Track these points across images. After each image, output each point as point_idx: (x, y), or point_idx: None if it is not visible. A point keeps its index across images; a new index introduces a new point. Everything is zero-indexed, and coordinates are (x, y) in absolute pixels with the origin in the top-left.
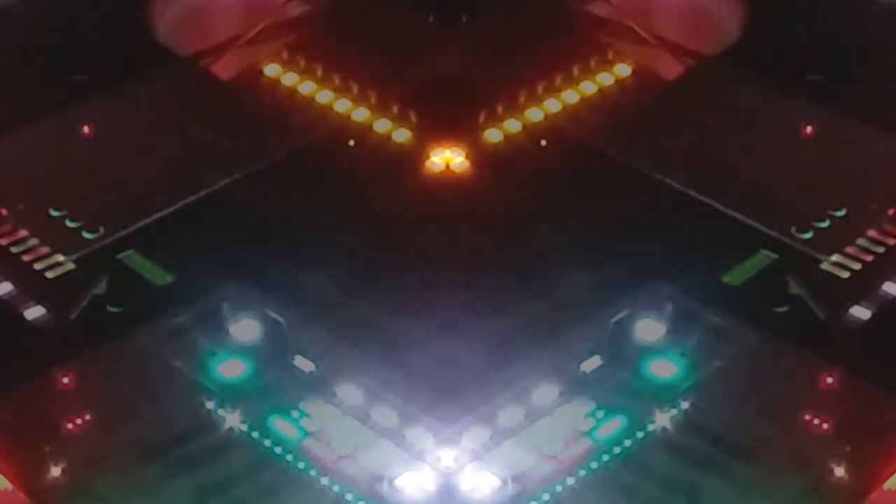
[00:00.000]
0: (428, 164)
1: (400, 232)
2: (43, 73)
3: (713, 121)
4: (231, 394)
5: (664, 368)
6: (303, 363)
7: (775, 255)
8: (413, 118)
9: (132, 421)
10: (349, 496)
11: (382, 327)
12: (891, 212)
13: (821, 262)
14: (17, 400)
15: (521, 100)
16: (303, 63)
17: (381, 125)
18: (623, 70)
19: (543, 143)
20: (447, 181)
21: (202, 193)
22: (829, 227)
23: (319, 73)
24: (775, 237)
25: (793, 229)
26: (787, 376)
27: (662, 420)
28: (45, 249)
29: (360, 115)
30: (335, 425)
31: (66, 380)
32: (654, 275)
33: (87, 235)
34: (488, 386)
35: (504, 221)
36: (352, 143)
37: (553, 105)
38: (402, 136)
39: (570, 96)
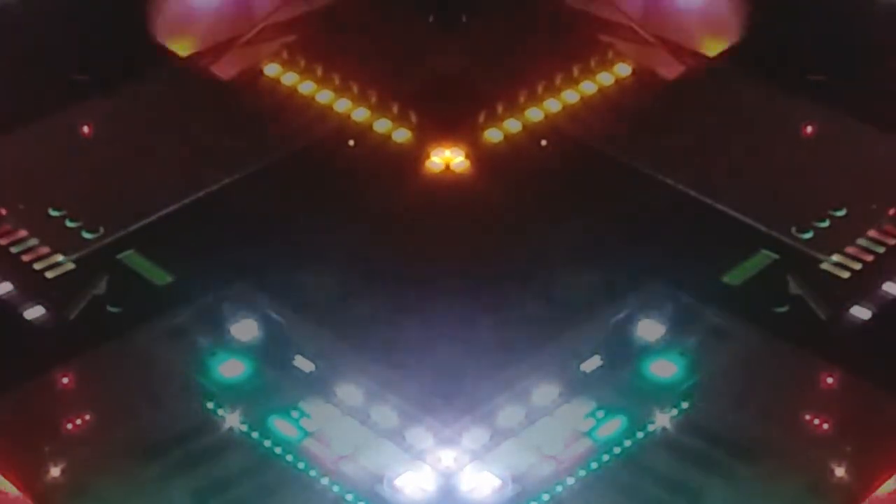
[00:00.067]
0: (428, 164)
1: (400, 232)
2: (43, 73)
3: (713, 121)
4: (231, 394)
5: (664, 368)
6: (303, 363)
7: (775, 255)
8: (413, 118)
9: (132, 421)
10: (349, 496)
11: (382, 327)
12: (891, 212)
13: (821, 262)
14: (16, 400)
15: (521, 100)
16: (303, 63)
17: (381, 125)
18: (623, 70)
19: (543, 143)
20: (447, 181)
21: (202, 193)
22: (829, 226)
23: (319, 73)
24: (775, 237)
25: (793, 229)
26: (787, 376)
27: (662, 420)
28: (45, 249)
29: (360, 115)
30: (335, 425)
31: (66, 380)
32: (654, 275)
33: (86, 235)
34: (488, 386)
35: (504, 221)
36: (352, 143)
37: (553, 105)
38: (402, 136)
39: (570, 96)
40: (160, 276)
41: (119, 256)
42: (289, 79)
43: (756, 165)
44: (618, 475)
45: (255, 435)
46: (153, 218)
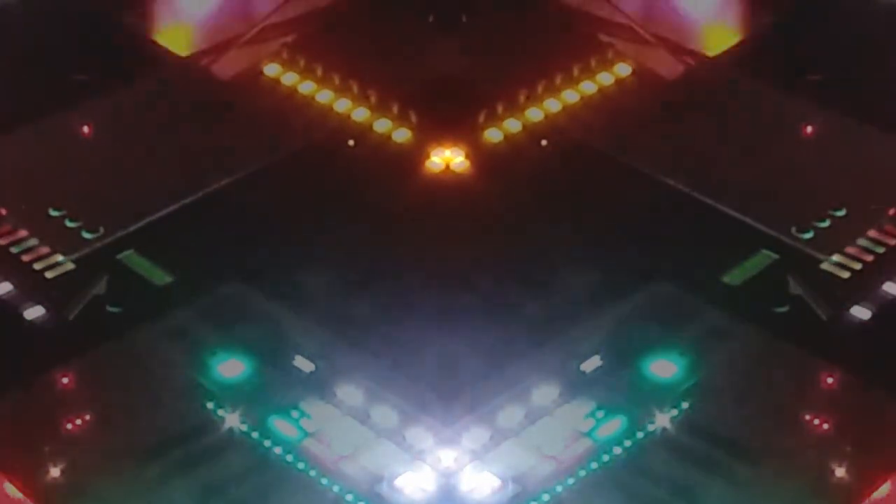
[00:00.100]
0: (428, 164)
1: (400, 232)
2: (43, 73)
3: (713, 121)
4: (231, 394)
5: (664, 368)
6: (303, 363)
7: (776, 255)
8: (413, 118)
9: (132, 421)
10: (349, 496)
11: (382, 327)
12: (891, 212)
13: (821, 262)
14: (17, 400)
15: (521, 100)
16: (303, 63)
17: (381, 125)
18: (623, 70)
19: (544, 142)
20: (447, 181)
21: (202, 193)
22: (829, 226)
23: (319, 73)
24: (776, 237)
25: (793, 229)
26: (787, 376)
27: (662, 420)
28: (45, 249)
29: (360, 115)
30: (335, 425)
31: (65, 380)
32: (654, 275)
33: (86, 235)
34: (488, 386)
35: (504, 221)
36: (351, 143)
37: (553, 105)
38: (402, 136)
39: (571, 96)
40: (160, 276)
41: (119, 256)
42: (289, 79)
43: (756, 165)
44: (618, 475)
45: (255, 435)
46: (153, 218)
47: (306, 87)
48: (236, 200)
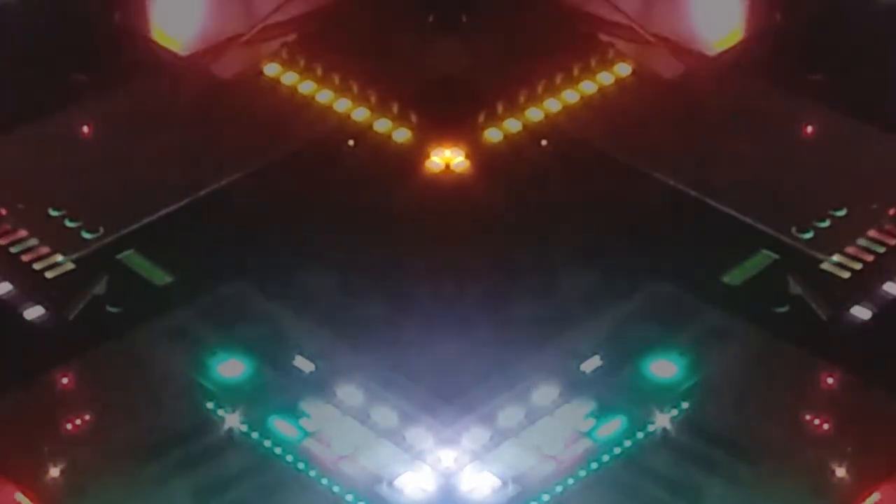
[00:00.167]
0: (428, 163)
1: (400, 232)
2: (43, 73)
3: (713, 121)
4: (231, 394)
5: (664, 368)
6: (303, 363)
7: (776, 255)
8: (413, 118)
9: (132, 421)
10: (349, 497)
11: (382, 327)
12: (891, 212)
13: (821, 261)
14: (17, 400)
15: (521, 100)
16: (303, 63)
17: (381, 125)
18: (623, 70)
19: (544, 142)
20: (447, 181)
21: (202, 193)
22: (829, 226)
23: (319, 72)
24: (776, 237)
25: (793, 229)
26: (788, 376)
27: (662, 420)
28: (45, 249)
29: (360, 114)
30: (335, 426)
31: (65, 380)
32: (654, 275)
33: (86, 235)
34: (488, 386)
35: (504, 221)
36: (351, 142)
37: (553, 105)
38: (402, 135)
39: (571, 96)
40: (160, 276)
41: (119, 256)
42: (289, 79)
43: (756, 165)
44: (618, 475)
45: (255, 435)
46: (153, 218)
47: (306, 87)
48: (236, 200)
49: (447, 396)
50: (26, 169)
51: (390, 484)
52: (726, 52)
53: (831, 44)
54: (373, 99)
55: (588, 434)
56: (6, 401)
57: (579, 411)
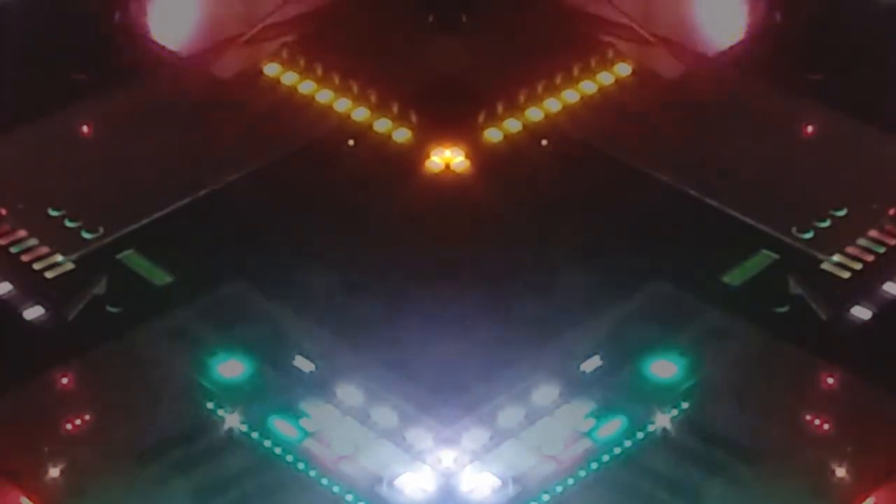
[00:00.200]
0: (428, 163)
1: (400, 231)
2: (42, 73)
3: (713, 121)
4: (231, 394)
5: (664, 368)
6: (303, 363)
7: (776, 255)
8: (413, 118)
9: (132, 421)
10: (349, 497)
11: (382, 327)
12: (892, 212)
13: (822, 261)
14: (16, 400)
15: (521, 100)
16: (303, 63)
17: (381, 125)
18: (623, 70)
19: (544, 142)
20: (447, 181)
21: (202, 193)
22: (829, 226)
23: (319, 72)
24: (776, 237)
25: (793, 229)
26: (788, 376)
27: (662, 420)
28: (45, 249)
29: (360, 114)
30: (335, 426)
31: (65, 380)
32: (654, 275)
33: (86, 235)
34: (488, 386)
35: (504, 221)
36: (352, 142)
37: (553, 105)
38: (402, 135)
39: (571, 96)
40: (160, 276)
41: (119, 256)
42: (289, 78)
43: (756, 165)
44: (618, 475)
45: (255, 435)
46: (153, 218)
47: (306, 87)
48: (236, 200)
49: (447, 396)
50: (26, 169)
51: (390, 484)
52: (726, 52)
53: (831, 44)
54: (373, 99)
55: (588, 434)
56: (6, 401)
57: (579, 411)
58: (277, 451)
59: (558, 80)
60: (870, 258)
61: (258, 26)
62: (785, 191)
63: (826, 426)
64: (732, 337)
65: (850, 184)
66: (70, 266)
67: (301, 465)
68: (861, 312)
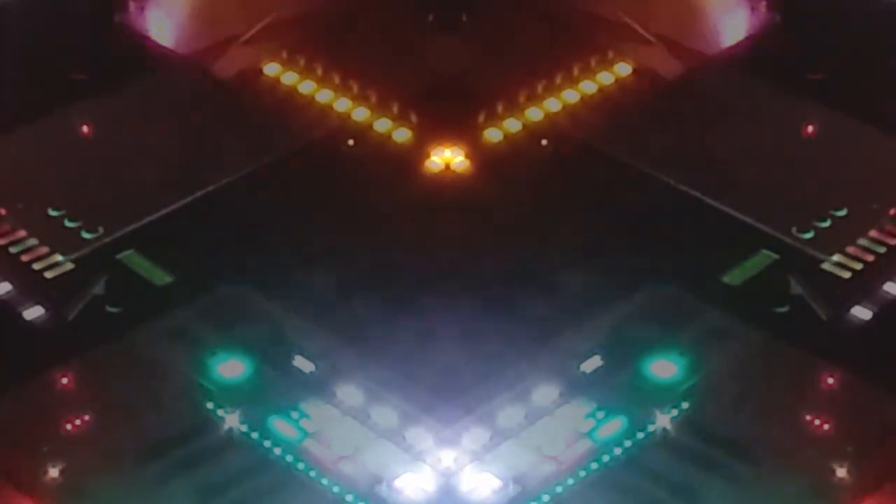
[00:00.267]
0: (428, 163)
1: (400, 231)
2: (42, 73)
3: (713, 121)
4: (231, 394)
5: (664, 368)
6: (303, 363)
7: (776, 255)
8: (413, 118)
9: (132, 421)
10: (349, 497)
11: (382, 327)
12: (892, 212)
13: (822, 261)
14: (16, 400)
15: (521, 99)
16: (303, 63)
17: (381, 125)
18: (623, 69)
19: (544, 142)
20: (447, 181)
21: (202, 193)
22: (830, 226)
23: (319, 72)
24: (776, 237)
25: (794, 229)
26: (788, 376)
27: (663, 421)
28: (44, 249)
29: (360, 114)
30: (335, 426)
31: (65, 380)
32: (654, 275)
33: (85, 235)
34: (488, 386)
35: (504, 221)
36: (351, 142)
37: (553, 104)
38: (402, 135)
39: (571, 96)
40: (160, 276)
41: (119, 256)
42: (289, 78)
43: (756, 165)
44: (618, 476)
45: (255, 435)
46: (153, 218)
47: (306, 87)
48: (236, 200)
49: (447, 396)
50: (26, 169)
51: (390, 484)
52: (726, 51)
53: (831, 44)
54: (373, 99)
55: (588, 434)
56: (6, 401)
57: (579, 411)
58: (277, 451)
59: (558, 80)
60: (870, 258)
61: (258, 26)
62: (785, 191)
63: (826, 426)
64: (732, 337)
65: (850, 184)
66: (70, 266)
67: (301, 466)
68: (861, 312)
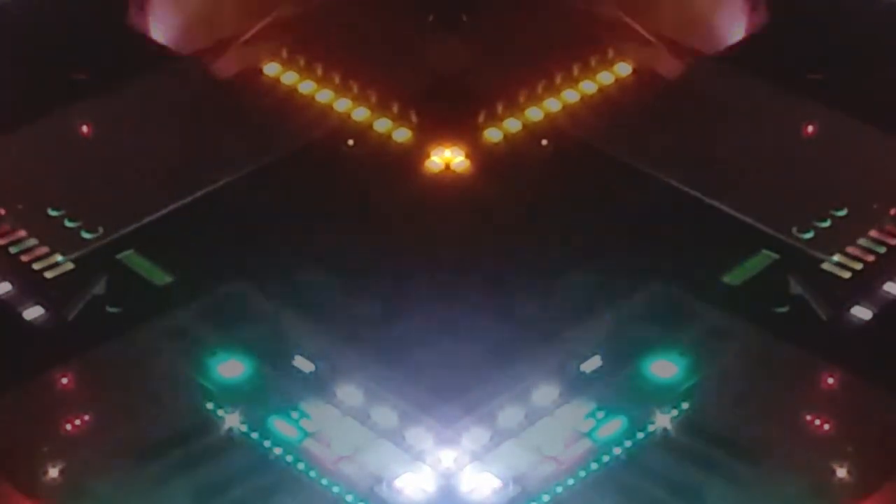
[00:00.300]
0: (428, 163)
1: (400, 231)
2: (42, 73)
3: (713, 120)
4: (231, 394)
5: (664, 368)
6: (303, 363)
7: (776, 255)
8: (413, 118)
9: (132, 421)
10: (349, 497)
11: (382, 327)
12: (892, 212)
13: (822, 261)
14: (16, 400)
15: (521, 99)
16: (303, 62)
17: (381, 125)
18: (623, 69)
19: (544, 142)
20: (447, 181)
21: (202, 193)
22: (830, 226)
23: (319, 72)
24: (776, 237)
25: (794, 229)
26: (788, 376)
27: (663, 421)
28: (44, 249)
29: (360, 114)
30: (335, 426)
31: (65, 380)
32: (654, 275)
33: (85, 235)
34: (488, 386)
35: (504, 221)
36: (351, 142)
37: (553, 104)
38: (402, 135)
39: (571, 96)
40: (160, 276)
41: (118, 256)
42: (289, 78)
43: (756, 165)
44: (618, 476)
45: (255, 435)
46: (153, 218)
47: (306, 87)
48: (236, 200)
49: (447, 396)
50: (26, 169)
51: (390, 484)
52: (726, 51)
53: (832, 43)
54: (373, 99)
55: (588, 434)
56: (6, 401)
57: (579, 411)
58: (277, 451)
59: (558, 80)
60: (870, 258)
61: (258, 26)
62: (785, 191)
63: (826, 426)
64: (732, 337)
65: (851, 184)
66: (70, 266)
67: (301, 466)
68: (861, 312)
